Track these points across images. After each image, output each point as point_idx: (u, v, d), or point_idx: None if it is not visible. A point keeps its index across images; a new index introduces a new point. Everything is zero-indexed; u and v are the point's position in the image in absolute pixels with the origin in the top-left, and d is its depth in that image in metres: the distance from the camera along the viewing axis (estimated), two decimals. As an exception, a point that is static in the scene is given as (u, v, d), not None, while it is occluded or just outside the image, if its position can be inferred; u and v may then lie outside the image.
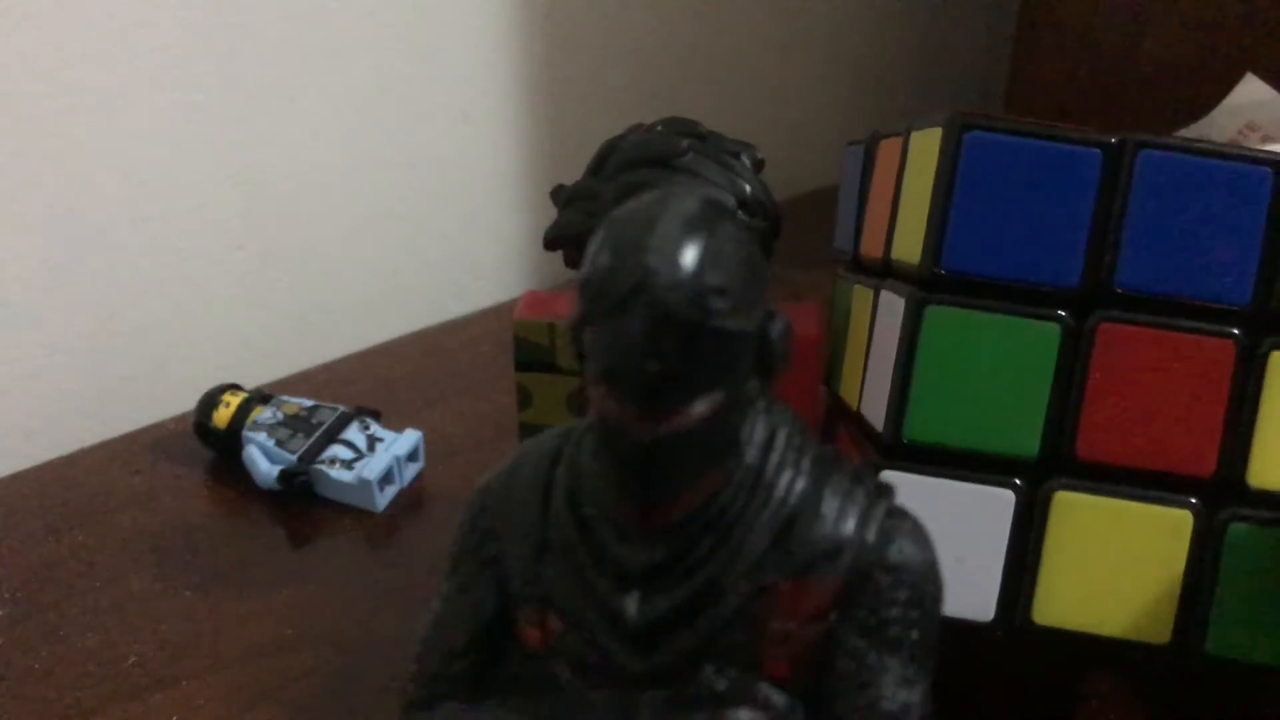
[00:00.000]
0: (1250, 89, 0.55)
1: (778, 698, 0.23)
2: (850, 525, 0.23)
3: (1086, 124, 0.36)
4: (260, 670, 0.40)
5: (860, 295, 0.37)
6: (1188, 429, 0.30)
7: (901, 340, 0.30)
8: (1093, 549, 0.30)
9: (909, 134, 0.33)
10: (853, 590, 0.23)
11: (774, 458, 0.23)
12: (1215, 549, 0.30)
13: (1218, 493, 0.30)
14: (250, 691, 0.39)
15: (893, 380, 0.30)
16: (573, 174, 0.62)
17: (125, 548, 0.45)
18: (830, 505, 0.23)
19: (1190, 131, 0.53)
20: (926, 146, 0.31)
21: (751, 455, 0.23)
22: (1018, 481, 0.30)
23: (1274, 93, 0.54)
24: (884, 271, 0.34)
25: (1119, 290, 0.29)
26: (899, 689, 0.23)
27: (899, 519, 0.23)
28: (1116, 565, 0.30)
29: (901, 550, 0.23)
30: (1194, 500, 0.30)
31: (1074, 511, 0.30)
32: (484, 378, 0.54)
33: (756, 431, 0.23)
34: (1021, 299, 0.30)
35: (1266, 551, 0.30)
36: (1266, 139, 0.53)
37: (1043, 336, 0.30)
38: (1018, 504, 0.30)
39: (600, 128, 0.62)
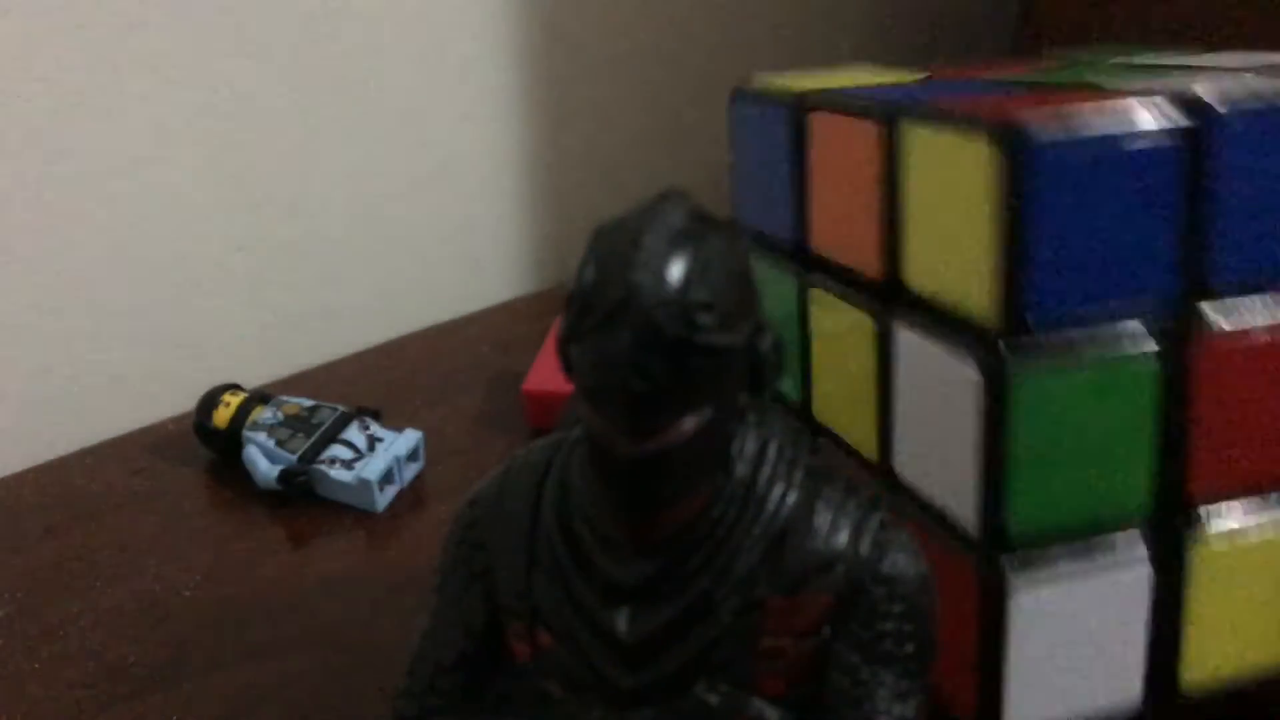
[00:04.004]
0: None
1: (771, 713, 0.23)
2: (843, 539, 0.23)
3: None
4: (260, 670, 0.40)
5: (828, 306, 0.34)
6: None
7: (987, 419, 0.26)
8: (1241, 586, 0.28)
9: (890, 123, 0.29)
10: (846, 604, 0.23)
11: (765, 471, 0.23)
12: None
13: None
14: (250, 692, 0.39)
15: (981, 469, 0.26)
16: (571, 174, 0.62)
17: (125, 548, 0.45)
18: (823, 519, 0.23)
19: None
20: (942, 154, 0.27)
21: (742, 469, 0.23)
22: (1145, 548, 0.27)
23: None
24: (884, 294, 0.31)
25: (1216, 287, 0.26)
26: (894, 703, 0.23)
27: (893, 531, 0.23)
28: (1268, 591, 0.28)
29: (895, 563, 0.23)
30: None
31: (1217, 556, 0.28)
32: (484, 378, 0.54)
33: (747, 445, 0.23)
34: (1111, 319, 0.26)
35: None
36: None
37: (1142, 370, 0.26)
38: (1153, 574, 0.27)
39: (599, 127, 0.62)
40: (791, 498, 0.23)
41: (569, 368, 0.21)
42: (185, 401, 0.50)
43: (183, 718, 0.38)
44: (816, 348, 0.36)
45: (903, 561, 0.23)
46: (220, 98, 0.51)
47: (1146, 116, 0.25)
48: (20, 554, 0.45)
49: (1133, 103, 0.25)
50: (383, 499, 0.47)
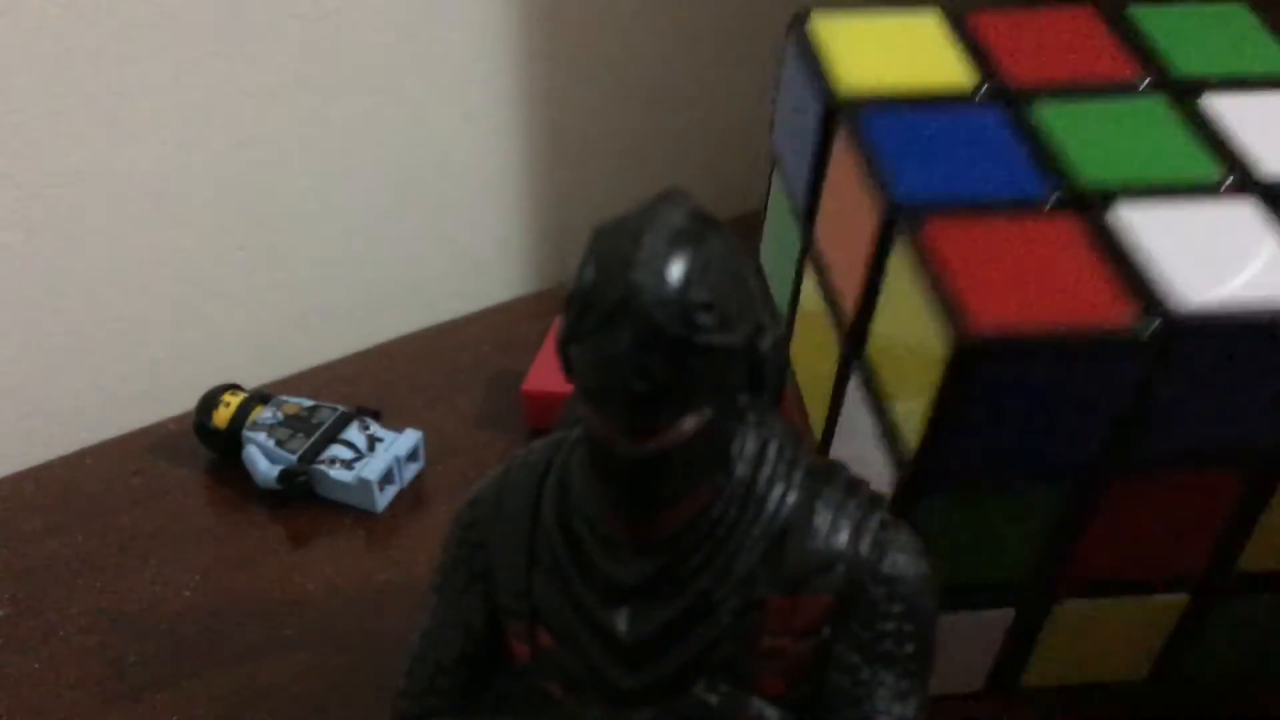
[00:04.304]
0: None
1: (771, 713, 0.23)
2: (843, 538, 0.23)
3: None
4: (260, 670, 0.40)
5: (813, 296, 0.34)
6: (1180, 546, 0.30)
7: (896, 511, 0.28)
8: (1085, 635, 0.31)
9: (888, 226, 0.28)
10: (846, 604, 0.23)
11: (765, 471, 0.23)
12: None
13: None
14: (250, 691, 0.39)
15: None
16: (572, 174, 0.62)
17: (125, 548, 0.45)
18: (823, 518, 0.23)
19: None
20: (914, 302, 0.27)
21: (742, 469, 0.23)
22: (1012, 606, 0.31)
23: None
24: (852, 337, 0.31)
25: (1137, 461, 0.27)
26: (894, 703, 0.23)
27: (893, 531, 0.23)
28: (1107, 635, 0.32)
29: (895, 563, 0.23)
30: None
31: (1070, 616, 0.31)
32: (484, 378, 0.54)
33: (747, 445, 0.23)
34: (1024, 476, 0.28)
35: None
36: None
37: (1045, 501, 0.28)
38: (1013, 621, 0.31)
39: (600, 127, 0.62)
40: (791, 498, 0.23)
41: (569, 368, 0.21)
42: (185, 401, 0.50)
43: (183, 718, 0.39)
44: (801, 307, 0.36)
45: (903, 561, 0.23)
46: (220, 98, 0.51)
47: (1115, 337, 0.25)
48: (20, 554, 0.45)
49: (1100, 331, 0.25)
50: (383, 499, 0.47)
